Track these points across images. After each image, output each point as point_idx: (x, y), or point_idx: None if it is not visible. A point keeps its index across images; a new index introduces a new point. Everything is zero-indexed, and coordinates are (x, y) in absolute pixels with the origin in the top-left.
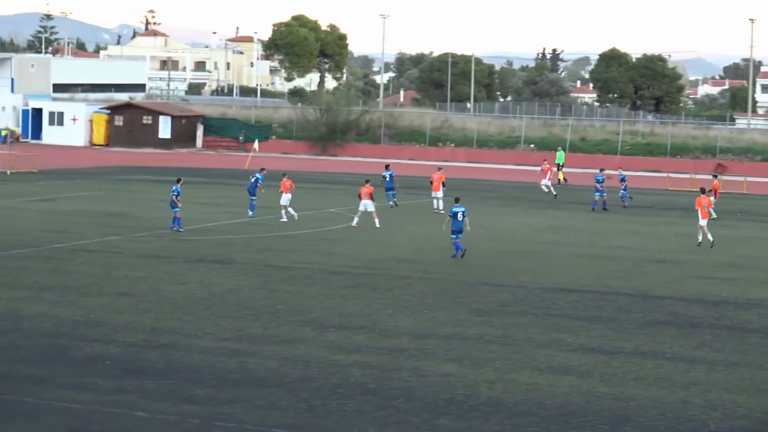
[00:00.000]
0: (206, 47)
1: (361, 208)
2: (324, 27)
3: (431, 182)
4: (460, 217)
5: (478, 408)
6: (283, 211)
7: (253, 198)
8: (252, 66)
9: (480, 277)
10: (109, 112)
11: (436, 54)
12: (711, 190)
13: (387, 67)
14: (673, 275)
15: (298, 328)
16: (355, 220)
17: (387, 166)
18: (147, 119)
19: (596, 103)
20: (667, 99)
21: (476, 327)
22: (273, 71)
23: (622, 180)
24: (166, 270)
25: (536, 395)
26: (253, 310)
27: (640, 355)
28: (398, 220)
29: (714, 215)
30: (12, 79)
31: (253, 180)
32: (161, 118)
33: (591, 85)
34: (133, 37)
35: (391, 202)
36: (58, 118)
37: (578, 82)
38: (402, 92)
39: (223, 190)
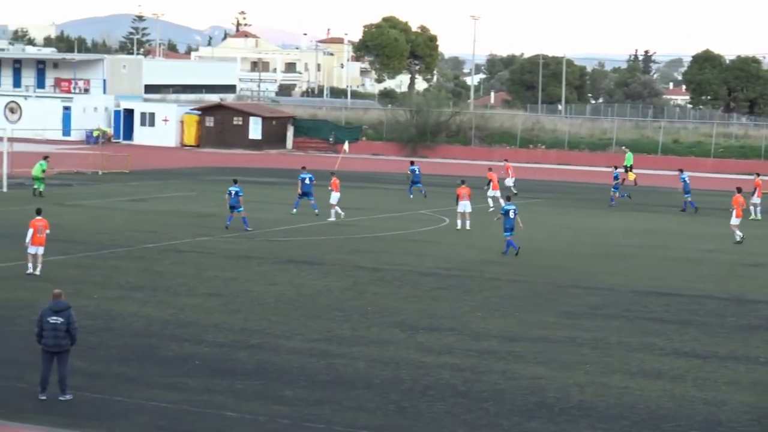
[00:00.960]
0: (297, 48)
1: (460, 209)
2: (414, 28)
3: (489, 182)
4: (512, 214)
5: (568, 411)
6: (333, 210)
7: (311, 198)
8: (342, 67)
9: (570, 279)
10: (199, 113)
11: (527, 55)
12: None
13: (478, 69)
14: None
15: (388, 329)
16: (459, 223)
17: (412, 162)
18: (237, 120)
19: (689, 105)
20: (761, 101)
21: (566, 330)
22: (363, 73)
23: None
24: (256, 271)
25: (628, 399)
26: (342, 312)
27: (733, 359)
28: (488, 221)
29: (758, 216)
30: (104, 80)
31: (308, 181)
32: (251, 119)
33: (684, 87)
34: (224, 38)
35: (422, 192)
36: (149, 119)
37: (671, 84)
38: (493, 94)
39: (315, 191)
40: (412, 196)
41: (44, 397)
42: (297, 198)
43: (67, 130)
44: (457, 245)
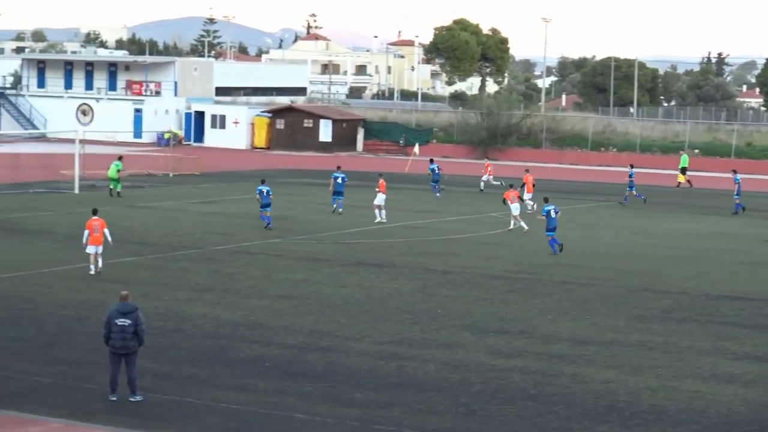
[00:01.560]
0: (367, 51)
1: (514, 211)
2: (485, 31)
3: (523, 184)
4: (553, 214)
5: (639, 415)
6: (377, 211)
7: (341, 198)
8: (413, 70)
9: (641, 283)
10: (270, 115)
11: (598, 58)
12: None
13: (549, 71)
14: None
15: (457, 332)
16: (521, 223)
17: (431, 160)
18: (308, 122)
19: (763, 108)
20: None
21: (638, 334)
22: (434, 75)
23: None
24: (325, 273)
25: (699, 403)
26: (412, 314)
27: None
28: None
29: None
30: (175, 83)
31: (340, 180)
32: (322, 121)
33: (758, 89)
34: (295, 41)
35: (437, 194)
36: (220, 121)
37: (744, 87)
38: (564, 96)
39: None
40: (438, 195)
41: (114, 398)
42: (332, 197)
43: (138, 133)
44: (527, 248)
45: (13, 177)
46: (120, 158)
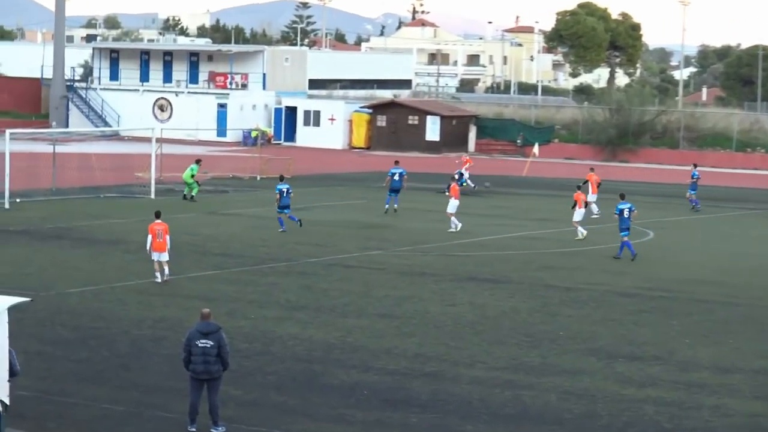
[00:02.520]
0: (480, 39)
1: (577, 217)
2: (615, 16)
3: (585, 182)
4: (626, 213)
5: None
6: (453, 219)
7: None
8: (532, 60)
9: None
10: (370, 111)
11: (744, 46)
12: None
13: (687, 62)
14: None
15: (582, 357)
16: (579, 229)
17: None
18: (413, 119)
19: None
20: None
21: None
22: (556, 66)
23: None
24: (432, 289)
25: None
26: (530, 336)
27: None
28: (692, 235)
29: None
30: (264, 75)
31: (398, 177)
32: (429, 118)
33: None
34: (399, 27)
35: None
36: (314, 118)
37: None
38: (705, 90)
39: (499, 200)
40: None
41: (194, 429)
42: (387, 194)
43: (222, 130)
44: (661, 261)
45: (83, 180)
46: (198, 161)
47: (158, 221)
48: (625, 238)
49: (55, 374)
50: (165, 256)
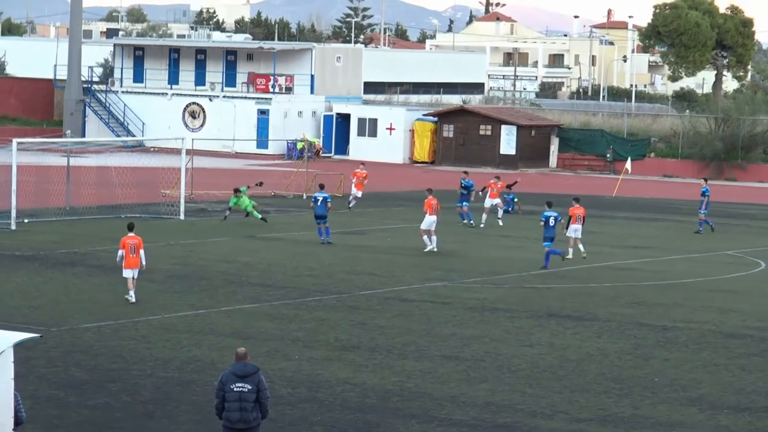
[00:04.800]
0: (565, 36)
1: (572, 233)
2: (723, 9)
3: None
4: (552, 222)
5: None
6: (425, 237)
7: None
8: (625, 61)
9: None
10: (435, 119)
11: None
12: None
13: None
14: None
15: (681, 407)
16: (579, 247)
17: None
18: (485, 129)
19: None
20: None
21: None
22: (653, 68)
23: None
24: (505, 327)
25: None
26: (619, 383)
27: None
28: None
29: None
30: (312, 76)
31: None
32: (504, 128)
33: None
34: (470, 22)
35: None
36: (369, 127)
37: None
38: None
39: (586, 224)
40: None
41: None
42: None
43: (263, 141)
44: None
45: (101, 197)
46: (237, 190)
47: (131, 234)
48: (547, 249)
49: (67, 422)
50: (136, 273)
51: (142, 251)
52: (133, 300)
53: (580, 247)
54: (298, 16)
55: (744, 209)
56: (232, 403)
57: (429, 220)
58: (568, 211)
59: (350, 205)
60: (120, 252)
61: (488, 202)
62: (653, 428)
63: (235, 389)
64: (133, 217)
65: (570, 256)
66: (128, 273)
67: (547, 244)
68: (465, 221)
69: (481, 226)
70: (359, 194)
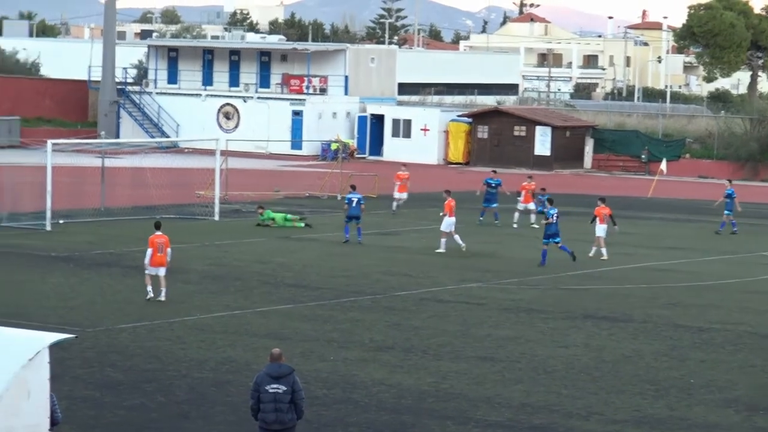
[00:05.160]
0: (599, 36)
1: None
2: (758, 10)
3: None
4: (554, 219)
5: None
6: (443, 240)
7: None
8: (660, 61)
9: None
10: (470, 120)
11: None
12: None
13: None
14: None
15: (717, 409)
16: (601, 249)
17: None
18: (519, 130)
19: None
20: None
21: None
22: (687, 69)
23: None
24: (541, 328)
25: None
26: (655, 384)
27: None
28: None
29: None
30: (346, 77)
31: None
32: (538, 129)
33: None
34: (504, 22)
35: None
36: (404, 128)
37: None
38: None
39: (621, 225)
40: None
41: None
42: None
43: (297, 142)
44: None
45: (136, 198)
46: (261, 208)
47: (159, 233)
48: (546, 246)
49: (103, 423)
50: (163, 271)
51: (169, 249)
52: (150, 297)
53: (603, 250)
54: (331, 17)
55: None
56: (267, 404)
57: (448, 222)
58: (594, 211)
59: (394, 209)
60: (149, 251)
61: (521, 206)
62: (689, 430)
63: (270, 390)
64: (168, 218)
65: (598, 254)
66: (152, 270)
67: (546, 241)
68: (494, 220)
69: (514, 226)
70: (404, 196)
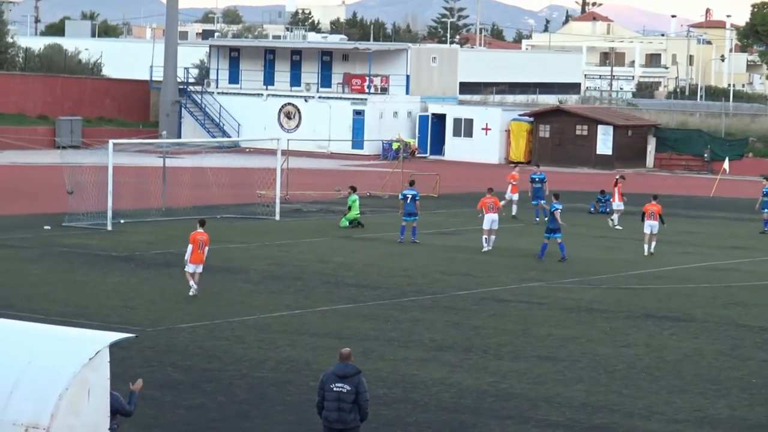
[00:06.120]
0: (662, 35)
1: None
2: None
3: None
4: (558, 215)
5: None
6: (485, 237)
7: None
8: (723, 60)
9: None
10: (531, 120)
11: None
12: None
13: None
14: None
15: None
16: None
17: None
18: (581, 129)
19: None
20: None
21: None
22: (751, 67)
23: None
24: (602, 328)
25: None
26: (717, 384)
27: None
28: None
29: None
30: (407, 77)
31: (538, 181)
32: (600, 128)
33: None
34: (566, 22)
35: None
36: (465, 128)
37: None
38: None
39: (683, 224)
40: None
41: None
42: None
43: (358, 142)
44: None
45: (197, 198)
46: (353, 190)
47: (200, 230)
48: (547, 240)
49: (163, 422)
50: (200, 269)
51: (207, 248)
52: (193, 293)
53: (652, 244)
54: (393, 16)
55: None
56: (331, 402)
57: (488, 219)
58: (643, 208)
59: (514, 213)
60: (189, 247)
61: (617, 205)
62: (750, 430)
63: (334, 389)
64: (228, 217)
65: (649, 252)
66: (191, 268)
67: (547, 235)
68: (538, 218)
69: (618, 228)
70: (515, 197)
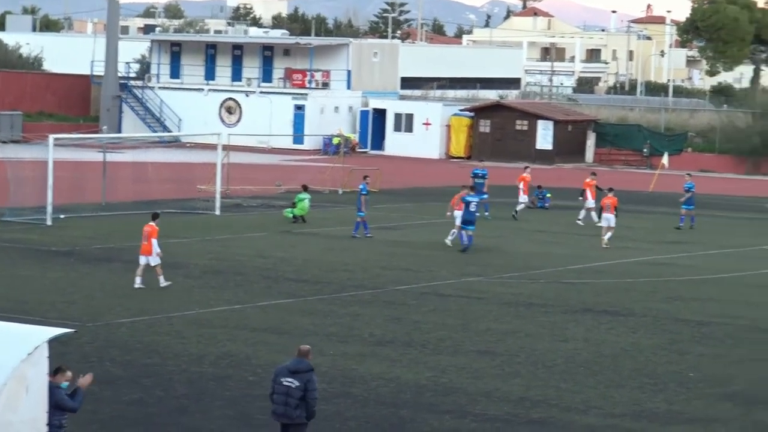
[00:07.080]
0: (602, 31)
1: (603, 223)
2: (761, 4)
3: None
4: (473, 207)
5: None
6: (454, 232)
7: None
8: (663, 56)
9: None
10: (472, 114)
11: None
12: None
13: None
14: None
15: (715, 403)
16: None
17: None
18: (521, 125)
19: None
20: None
21: None
22: (690, 63)
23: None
24: (540, 322)
25: None
26: (654, 378)
27: None
28: None
29: None
30: (348, 72)
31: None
32: (540, 123)
33: None
34: (507, 17)
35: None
36: (406, 123)
37: None
38: None
39: (623, 219)
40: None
41: None
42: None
43: (299, 137)
44: None
45: (137, 193)
46: (305, 188)
47: (151, 223)
48: (470, 232)
49: (101, 417)
50: (151, 261)
51: (153, 240)
52: (138, 285)
53: (607, 236)
54: (334, 11)
55: None
56: (279, 396)
57: (460, 215)
58: (600, 202)
59: (518, 211)
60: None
61: (590, 203)
62: (688, 424)
63: (284, 383)
64: (169, 212)
65: (605, 243)
66: (141, 260)
67: (464, 227)
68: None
69: (579, 222)
70: (526, 199)
